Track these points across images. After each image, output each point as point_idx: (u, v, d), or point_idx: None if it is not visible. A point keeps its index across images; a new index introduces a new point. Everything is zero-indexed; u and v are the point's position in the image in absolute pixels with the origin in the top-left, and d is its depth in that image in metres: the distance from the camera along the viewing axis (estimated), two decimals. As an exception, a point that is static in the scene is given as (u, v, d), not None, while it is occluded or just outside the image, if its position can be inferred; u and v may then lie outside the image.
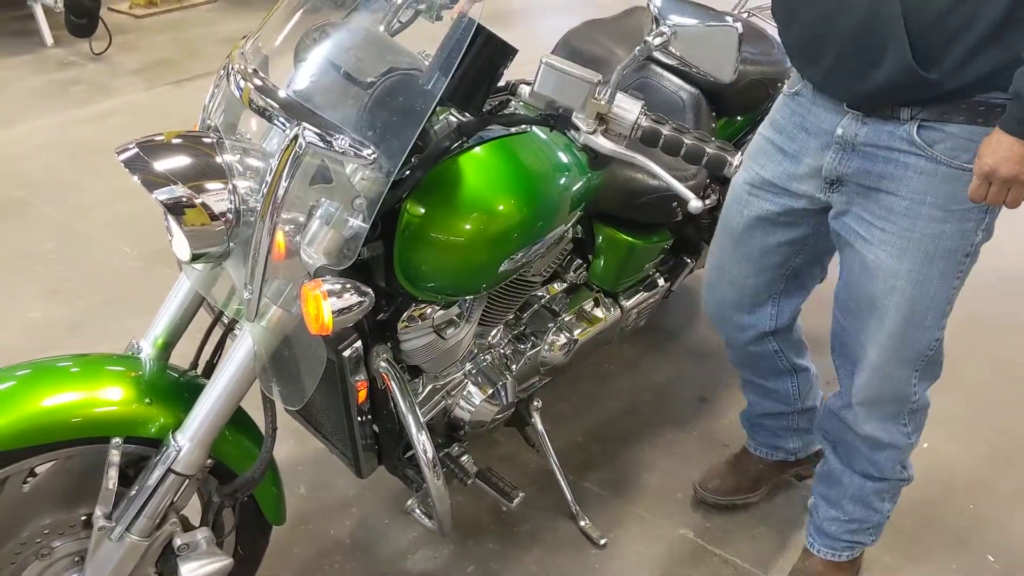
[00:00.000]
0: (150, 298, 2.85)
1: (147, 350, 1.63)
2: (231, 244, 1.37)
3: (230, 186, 1.35)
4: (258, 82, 1.37)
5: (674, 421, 2.49)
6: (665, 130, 1.34)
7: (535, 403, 2.11)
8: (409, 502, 1.90)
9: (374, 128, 1.31)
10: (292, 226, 1.35)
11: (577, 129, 1.35)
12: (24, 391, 1.43)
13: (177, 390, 1.56)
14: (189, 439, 1.47)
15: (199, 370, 1.72)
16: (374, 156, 1.28)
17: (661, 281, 2.30)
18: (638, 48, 1.29)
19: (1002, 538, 2.17)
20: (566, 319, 2.07)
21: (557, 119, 1.36)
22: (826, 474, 1.94)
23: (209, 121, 1.47)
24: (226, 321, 1.71)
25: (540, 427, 2.13)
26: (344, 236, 1.36)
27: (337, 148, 1.28)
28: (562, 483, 2.16)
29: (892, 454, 1.82)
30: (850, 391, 1.77)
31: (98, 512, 1.48)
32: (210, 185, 1.35)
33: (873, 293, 1.63)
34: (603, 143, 1.35)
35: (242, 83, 1.37)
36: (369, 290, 1.35)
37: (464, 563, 2.04)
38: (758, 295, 1.89)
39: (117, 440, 1.47)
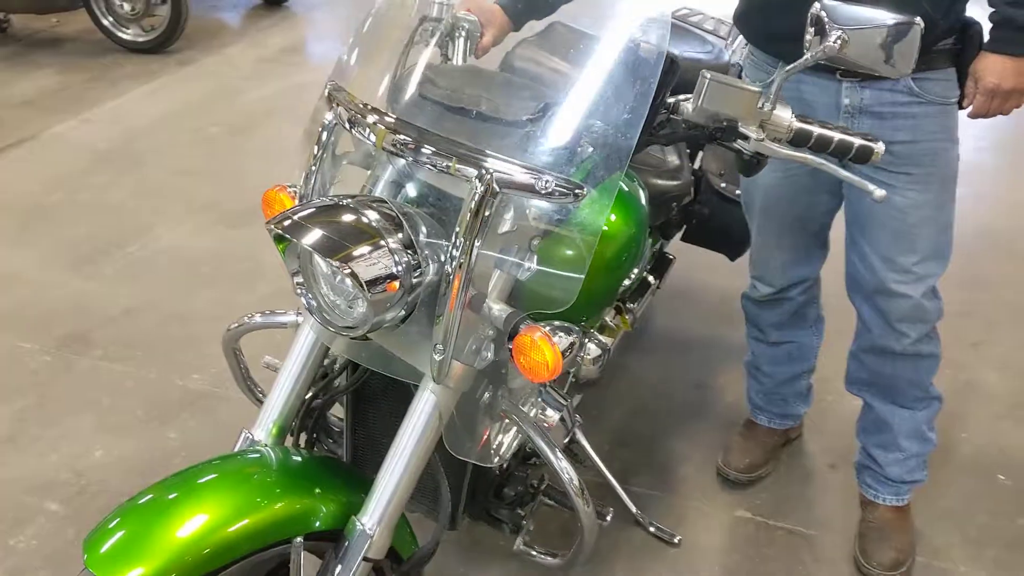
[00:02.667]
0: (77, 392, 2.58)
1: (264, 439, 1.48)
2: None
3: (401, 247, 1.25)
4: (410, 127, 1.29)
5: (684, 412, 2.55)
6: (815, 129, 1.39)
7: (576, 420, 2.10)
8: (517, 544, 1.82)
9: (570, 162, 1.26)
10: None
11: (746, 138, 1.37)
12: (191, 513, 1.25)
13: (326, 474, 1.43)
14: (377, 522, 1.35)
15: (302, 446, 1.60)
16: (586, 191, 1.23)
17: (652, 279, 2.34)
18: (810, 54, 1.32)
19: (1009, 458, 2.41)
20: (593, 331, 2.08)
21: (724, 131, 1.37)
22: (872, 424, 2.08)
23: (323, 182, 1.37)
24: (309, 395, 1.59)
25: (584, 442, 2.12)
26: (520, 279, 1.32)
27: (541, 190, 1.22)
28: (619, 491, 2.15)
29: (930, 363, 1.99)
30: (872, 325, 1.94)
31: None
32: (383, 248, 1.24)
33: (902, 227, 1.82)
34: (775, 148, 1.38)
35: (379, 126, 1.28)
36: (575, 327, 1.31)
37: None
38: (811, 249, 2.08)
39: (299, 540, 1.32)
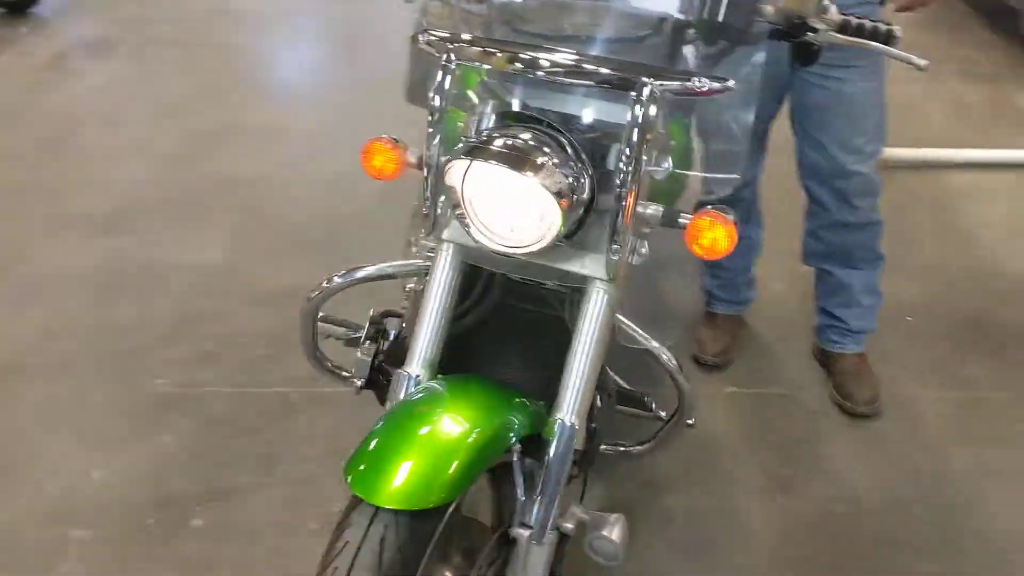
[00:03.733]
0: (43, 421, 2.40)
1: (425, 375, 1.53)
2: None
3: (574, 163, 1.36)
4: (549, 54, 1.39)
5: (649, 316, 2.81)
6: (852, 19, 1.64)
7: None
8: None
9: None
10: None
11: (815, 31, 1.59)
12: (432, 435, 1.31)
13: (493, 391, 1.51)
14: (575, 414, 1.46)
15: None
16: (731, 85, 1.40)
17: None
18: None
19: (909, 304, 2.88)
20: None
21: (799, 27, 1.58)
22: (833, 288, 2.45)
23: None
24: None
25: None
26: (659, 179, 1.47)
27: (697, 89, 1.36)
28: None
29: (878, 228, 2.36)
30: (830, 205, 2.28)
31: (519, 527, 1.42)
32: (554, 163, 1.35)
33: (854, 113, 2.14)
34: (840, 37, 1.61)
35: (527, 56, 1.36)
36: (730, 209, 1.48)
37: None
38: (757, 152, 2.35)
39: (518, 445, 1.41)
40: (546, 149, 1.34)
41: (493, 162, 1.30)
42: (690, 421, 2.29)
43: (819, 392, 2.52)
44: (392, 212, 3.38)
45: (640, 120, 1.31)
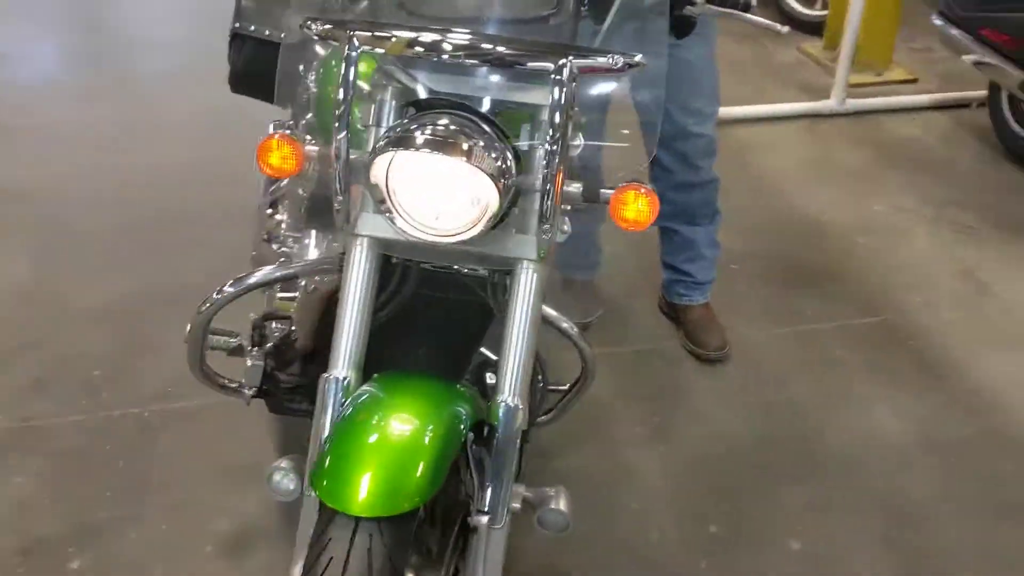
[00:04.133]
0: None
1: (352, 377, 1.48)
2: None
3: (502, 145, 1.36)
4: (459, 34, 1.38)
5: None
6: None
7: None
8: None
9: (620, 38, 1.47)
10: None
11: (695, 3, 1.67)
12: (389, 439, 1.31)
13: (426, 385, 1.51)
14: (516, 395, 1.47)
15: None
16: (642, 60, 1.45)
17: None
18: None
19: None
20: None
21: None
22: (679, 245, 2.60)
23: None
24: None
25: None
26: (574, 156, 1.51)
27: (614, 66, 1.40)
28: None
29: (716, 185, 2.52)
30: (674, 167, 2.41)
31: (477, 513, 1.42)
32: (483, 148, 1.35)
33: (692, 76, 2.29)
34: (713, 8, 1.70)
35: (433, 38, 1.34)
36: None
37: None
38: None
39: (470, 435, 1.41)
40: (471, 133, 1.34)
41: (426, 151, 1.28)
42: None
43: (672, 344, 2.67)
44: (202, 206, 3.26)
45: (563, 99, 1.34)
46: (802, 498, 2.21)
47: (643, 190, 1.41)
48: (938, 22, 3.63)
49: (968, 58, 3.56)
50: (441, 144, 1.29)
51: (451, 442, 1.36)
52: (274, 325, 2.02)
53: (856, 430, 2.41)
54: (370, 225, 1.44)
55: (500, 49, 1.35)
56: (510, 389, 1.45)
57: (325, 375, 1.47)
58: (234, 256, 2.94)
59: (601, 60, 1.38)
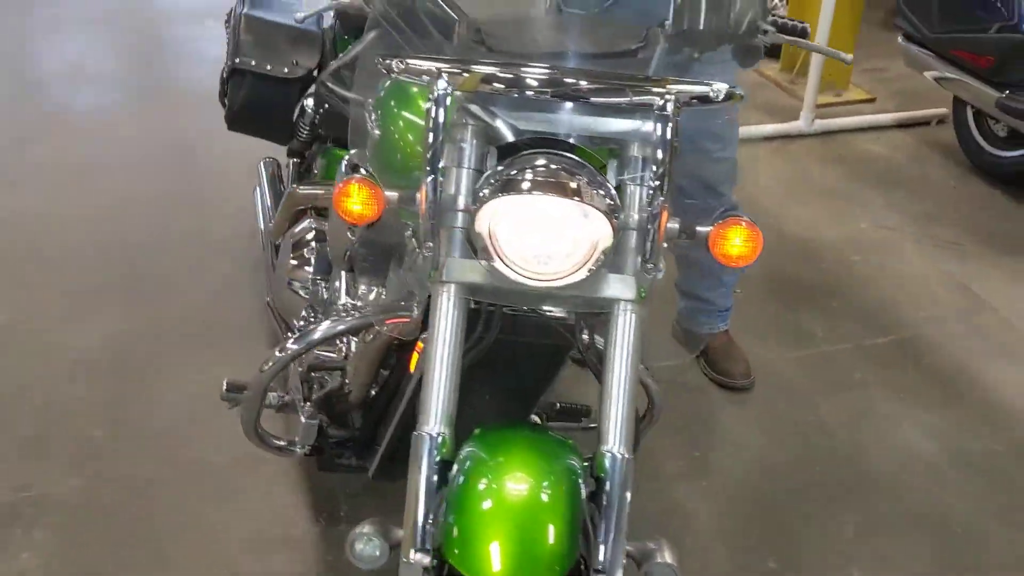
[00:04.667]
0: None
1: (448, 431, 1.37)
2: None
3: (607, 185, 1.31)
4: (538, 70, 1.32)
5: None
6: (779, 20, 1.69)
7: None
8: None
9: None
10: None
11: (765, 32, 1.60)
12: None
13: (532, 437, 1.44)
14: (622, 444, 1.36)
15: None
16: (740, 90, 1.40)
17: None
18: None
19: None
20: None
21: (753, 29, 1.61)
22: (700, 274, 2.56)
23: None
24: None
25: None
26: None
27: (715, 98, 1.29)
28: None
29: (732, 185, 2.45)
30: (695, 194, 2.35)
31: (594, 573, 1.34)
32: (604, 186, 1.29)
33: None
34: (783, 37, 1.64)
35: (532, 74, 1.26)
36: None
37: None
38: None
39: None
40: (577, 172, 1.28)
41: (538, 193, 1.23)
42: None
43: (693, 373, 2.64)
44: (170, 239, 3.11)
45: (668, 133, 1.28)
46: (852, 523, 2.19)
47: (744, 223, 1.36)
48: (908, 45, 3.71)
49: (930, 74, 3.66)
50: (553, 186, 1.23)
51: (577, 501, 1.30)
52: (320, 376, 1.92)
53: (889, 450, 2.41)
54: (458, 271, 1.36)
55: (603, 84, 1.29)
56: (615, 439, 1.36)
57: (417, 432, 1.38)
58: (215, 289, 2.83)
59: (700, 90, 1.34)
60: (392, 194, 1.37)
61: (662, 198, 1.29)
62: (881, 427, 2.48)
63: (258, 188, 2.80)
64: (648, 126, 1.30)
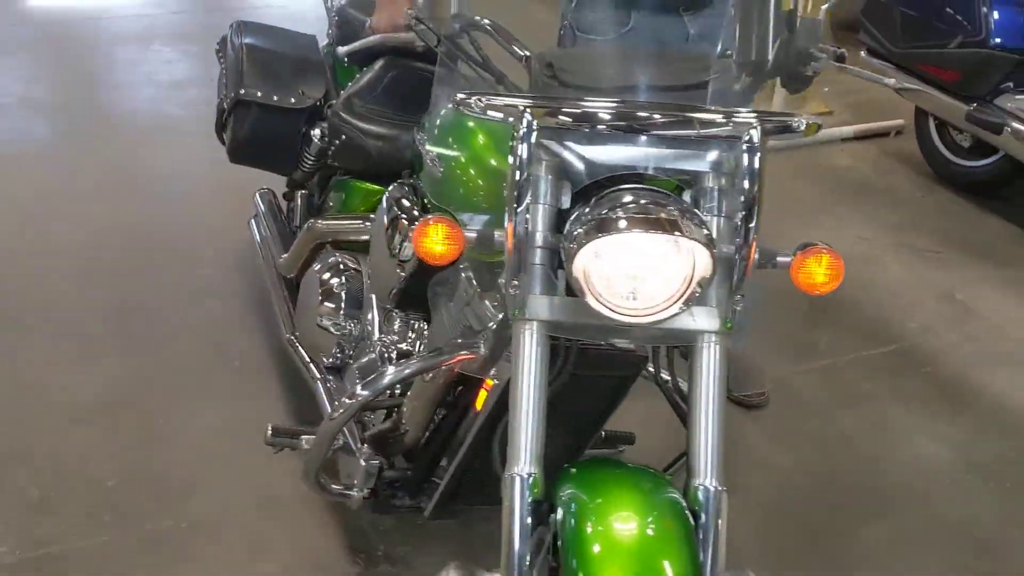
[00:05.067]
0: None
1: (538, 471, 1.34)
2: None
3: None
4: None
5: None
6: None
7: None
8: None
9: None
10: None
11: (819, 59, 1.62)
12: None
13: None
14: (714, 477, 1.34)
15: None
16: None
17: None
18: None
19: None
20: None
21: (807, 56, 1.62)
22: None
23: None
24: None
25: None
26: None
27: (797, 126, 1.32)
28: None
29: None
30: None
31: None
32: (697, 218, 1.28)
33: None
34: (836, 64, 1.66)
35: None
36: None
37: None
38: None
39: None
40: (670, 206, 1.27)
41: (638, 231, 1.21)
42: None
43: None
44: (164, 270, 2.99)
45: (756, 164, 1.29)
46: (883, 536, 2.22)
47: (827, 251, 1.37)
48: (871, 59, 3.81)
49: (889, 82, 3.77)
50: (651, 222, 1.22)
51: (688, 535, 1.29)
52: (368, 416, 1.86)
53: (906, 460, 2.45)
54: (543, 308, 1.34)
55: (690, 116, 1.29)
56: (707, 472, 1.36)
57: (508, 474, 1.35)
58: (206, 325, 2.72)
59: (784, 121, 1.34)
60: (471, 234, 1.34)
61: (753, 229, 1.29)
62: (896, 438, 2.53)
63: (254, 220, 2.72)
64: (728, 156, 1.31)
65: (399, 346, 1.89)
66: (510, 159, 1.28)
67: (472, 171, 1.55)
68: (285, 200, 2.75)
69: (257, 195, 2.72)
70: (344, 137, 2.18)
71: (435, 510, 1.78)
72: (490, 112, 1.31)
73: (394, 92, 2.23)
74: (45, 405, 2.45)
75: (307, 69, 2.38)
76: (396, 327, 1.92)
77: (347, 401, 1.63)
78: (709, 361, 1.36)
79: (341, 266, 2.08)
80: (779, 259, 1.38)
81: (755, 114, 1.30)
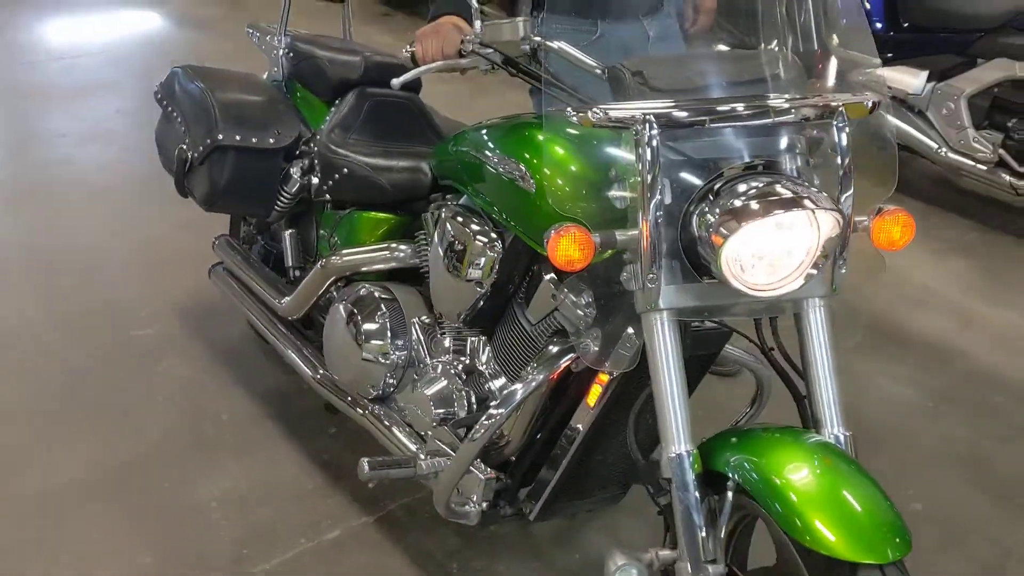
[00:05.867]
0: None
1: (692, 447, 1.45)
2: None
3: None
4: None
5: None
6: None
7: None
8: None
9: None
10: None
11: None
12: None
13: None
14: (841, 425, 1.50)
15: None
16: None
17: None
18: None
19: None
20: None
21: None
22: None
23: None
24: None
25: None
26: None
27: (868, 105, 1.49)
28: None
29: None
30: None
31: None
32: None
33: None
34: None
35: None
36: None
37: None
38: None
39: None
40: (797, 183, 1.41)
41: (781, 212, 1.35)
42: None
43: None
44: (123, 338, 2.78)
45: (846, 140, 1.45)
46: (884, 469, 2.41)
47: (903, 212, 1.52)
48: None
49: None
50: (791, 201, 1.36)
51: (860, 466, 1.40)
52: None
53: (881, 403, 2.69)
54: (676, 297, 1.45)
55: (780, 105, 1.44)
56: (834, 421, 1.50)
57: (669, 455, 1.44)
58: (179, 391, 2.57)
59: (861, 99, 1.50)
60: (597, 238, 1.42)
61: (849, 196, 1.45)
62: (864, 384, 2.75)
63: (219, 269, 2.60)
64: (800, 138, 1.48)
65: (464, 363, 1.90)
66: (636, 163, 1.40)
67: (570, 178, 1.60)
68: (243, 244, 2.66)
69: (216, 244, 2.61)
70: (345, 171, 2.17)
71: (541, 512, 1.80)
72: (610, 123, 1.40)
73: (375, 122, 2.27)
74: (41, 496, 2.23)
75: (275, 108, 2.34)
76: (450, 346, 1.94)
77: (486, 423, 1.65)
78: (819, 323, 1.50)
79: (376, 296, 2.06)
80: (858, 222, 1.52)
81: (842, 96, 1.47)
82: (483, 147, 1.77)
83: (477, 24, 1.68)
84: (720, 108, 1.41)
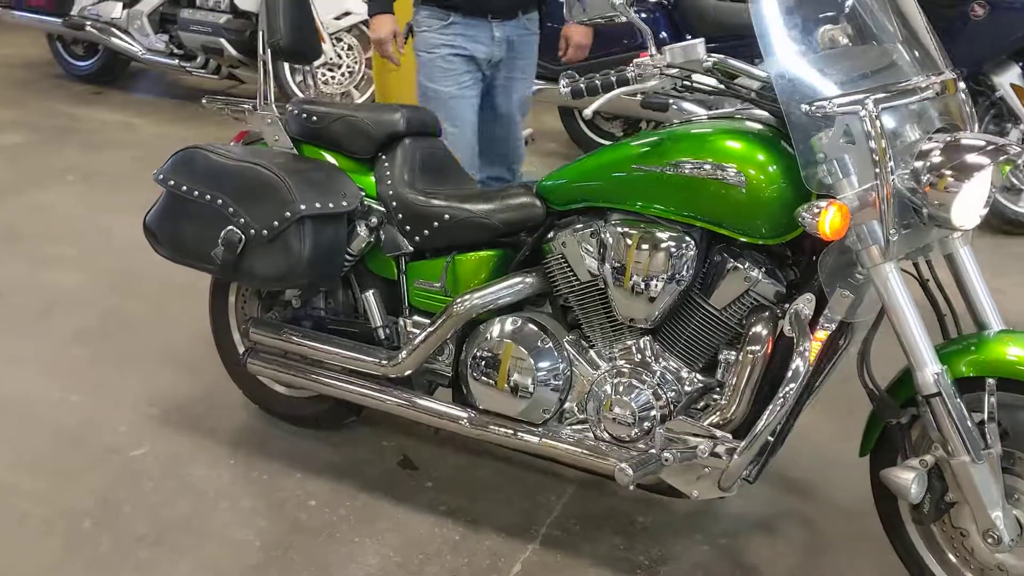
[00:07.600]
0: None
1: (942, 368, 1.77)
2: None
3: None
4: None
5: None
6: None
7: None
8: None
9: None
10: None
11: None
12: None
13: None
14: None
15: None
16: None
17: None
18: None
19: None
20: None
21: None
22: None
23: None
24: None
25: None
26: None
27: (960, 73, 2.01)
28: None
29: None
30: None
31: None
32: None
33: (522, 99, 3.11)
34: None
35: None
36: None
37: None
38: None
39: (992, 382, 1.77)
40: (979, 140, 1.85)
41: (990, 161, 1.76)
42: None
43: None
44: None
45: (969, 107, 1.97)
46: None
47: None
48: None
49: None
50: (993, 151, 1.79)
51: None
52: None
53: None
54: (901, 244, 1.81)
55: (937, 82, 1.92)
56: (995, 322, 1.94)
57: (926, 375, 1.78)
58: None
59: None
60: (851, 206, 1.76)
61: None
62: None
63: (265, 354, 2.46)
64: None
65: (636, 362, 2.03)
66: (866, 140, 1.74)
67: (778, 169, 1.85)
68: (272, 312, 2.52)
69: (253, 331, 2.45)
70: (446, 217, 2.21)
71: (757, 473, 1.96)
72: (840, 110, 1.75)
73: (428, 169, 2.34)
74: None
75: (328, 171, 2.29)
76: (617, 351, 2.07)
77: (777, 409, 1.81)
78: (968, 252, 1.94)
79: (532, 326, 2.13)
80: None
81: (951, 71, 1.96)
82: (664, 159, 1.92)
83: (652, 48, 1.85)
84: (905, 88, 1.83)
